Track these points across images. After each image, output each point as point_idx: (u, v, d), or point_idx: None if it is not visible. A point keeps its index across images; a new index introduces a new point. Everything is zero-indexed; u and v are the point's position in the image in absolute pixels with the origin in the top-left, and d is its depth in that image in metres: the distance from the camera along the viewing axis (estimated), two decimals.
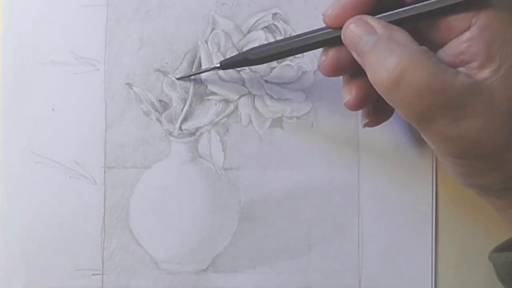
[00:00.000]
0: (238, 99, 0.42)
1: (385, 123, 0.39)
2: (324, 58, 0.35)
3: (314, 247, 0.41)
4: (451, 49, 0.32)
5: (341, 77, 0.37)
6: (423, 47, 0.32)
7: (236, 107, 0.42)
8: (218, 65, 0.39)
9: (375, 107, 0.38)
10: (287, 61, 0.41)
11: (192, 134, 0.42)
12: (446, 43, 0.33)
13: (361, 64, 0.33)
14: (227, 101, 0.42)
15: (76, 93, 0.42)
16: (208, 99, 0.42)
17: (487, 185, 0.34)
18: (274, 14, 0.42)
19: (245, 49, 0.41)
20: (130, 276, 0.41)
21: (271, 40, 0.41)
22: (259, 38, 0.42)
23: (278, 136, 0.42)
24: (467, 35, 0.32)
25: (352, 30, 0.33)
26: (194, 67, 0.42)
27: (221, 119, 0.42)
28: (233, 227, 0.42)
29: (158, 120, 0.42)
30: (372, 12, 0.34)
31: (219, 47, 0.42)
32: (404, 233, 0.41)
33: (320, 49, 0.36)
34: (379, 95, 0.33)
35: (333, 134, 0.42)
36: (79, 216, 0.41)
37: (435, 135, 0.32)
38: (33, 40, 0.41)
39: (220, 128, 0.42)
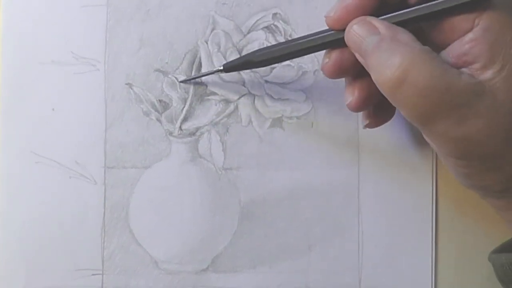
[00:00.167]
0: (238, 99, 0.42)
1: (385, 123, 0.39)
2: (327, 60, 0.35)
3: (314, 247, 0.41)
4: (454, 50, 0.32)
5: (342, 78, 0.37)
6: (426, 47, 0.32)
7: (236, 107, 0.42)
8: (221, 68, 0.39)
9: (376, 109, 0.38)
10: (287, 61, 0.41)
11: (192, 134, 0.42)
12: (449, 44, 0.33)
13: (364, 65, 0.33)
14: (227, 101, 0.42)
15: (76, 93, 0.41)
16: (208, 99, 0.42)
17: (488, 186, 0.34)
18: (274, 14, 0.42)
19: (245, 49, 0.41)
20: (130, 276, 0.41)
21: (271, 40, 0.41)
22: (259, 38, 0.42)
23: (278, 136, 0.42)
24: (470, 36, 0.32)
25: (356, 31, 0.33)
26: (194, 67, 0.42)
27: (221, 119, 0.42)
28: (233, 227, 0.42)
29: (158, 120, 0.42)
30: (375, 14, 0.34)
31: (219, 47, 0.41)
32: (404, 233, 0.41)
33: (322, 51, 0.36)
34: (381, 97, 0.33)
35: (333, 134, 0.42)
36: (79, 216, 0.41)
37: (438, 136, 0.32)
38: (33, 40, 0.41)
39: (220, 128, 0.42)
